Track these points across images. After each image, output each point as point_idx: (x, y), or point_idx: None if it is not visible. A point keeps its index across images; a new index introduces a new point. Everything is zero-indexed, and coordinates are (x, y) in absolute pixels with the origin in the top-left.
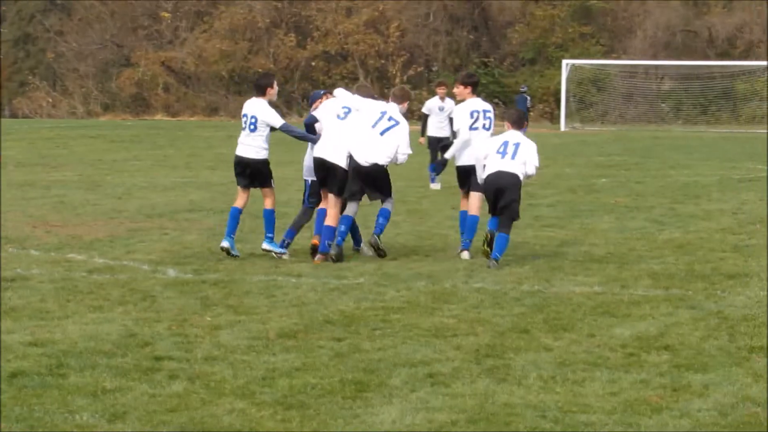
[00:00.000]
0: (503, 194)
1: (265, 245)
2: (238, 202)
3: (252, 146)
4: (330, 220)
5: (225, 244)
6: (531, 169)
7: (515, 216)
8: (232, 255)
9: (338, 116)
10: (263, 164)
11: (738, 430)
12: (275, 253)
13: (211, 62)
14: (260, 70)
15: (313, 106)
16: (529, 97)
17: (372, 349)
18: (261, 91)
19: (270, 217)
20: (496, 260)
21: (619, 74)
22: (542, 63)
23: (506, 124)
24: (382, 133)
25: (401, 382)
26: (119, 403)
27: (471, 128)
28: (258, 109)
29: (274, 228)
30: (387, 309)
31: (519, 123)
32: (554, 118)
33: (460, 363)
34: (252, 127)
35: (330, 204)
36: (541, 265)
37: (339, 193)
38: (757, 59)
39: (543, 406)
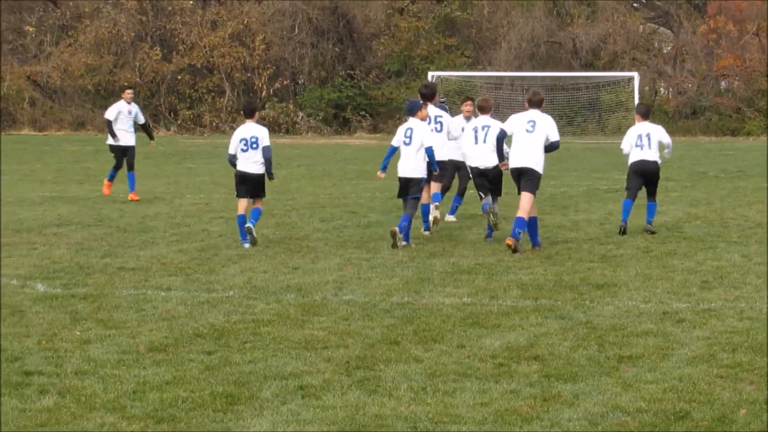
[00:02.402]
0: (650, 180)
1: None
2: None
3: (257, 162)
4: (522, 212)
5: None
6: (668, 143)
7: None
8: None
9: (527, 130)
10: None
11: None
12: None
13: (76, 76)
14: (126, 84)
15: (416, 114)
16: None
17: (242, 361)
18: (251, 114)
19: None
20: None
21: (485, 85)
22: (408, 75)
23: (637, 117)
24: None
25: (272, 395)
26: None
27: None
28: (259, 131)
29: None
30: (257, 322)
31: (647, 114)
32: None
33: (331, 375)
34: (254, 146)
35: (525, 199)
36: (411, 276)
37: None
38: (621, 70)
39: (414, 417)
